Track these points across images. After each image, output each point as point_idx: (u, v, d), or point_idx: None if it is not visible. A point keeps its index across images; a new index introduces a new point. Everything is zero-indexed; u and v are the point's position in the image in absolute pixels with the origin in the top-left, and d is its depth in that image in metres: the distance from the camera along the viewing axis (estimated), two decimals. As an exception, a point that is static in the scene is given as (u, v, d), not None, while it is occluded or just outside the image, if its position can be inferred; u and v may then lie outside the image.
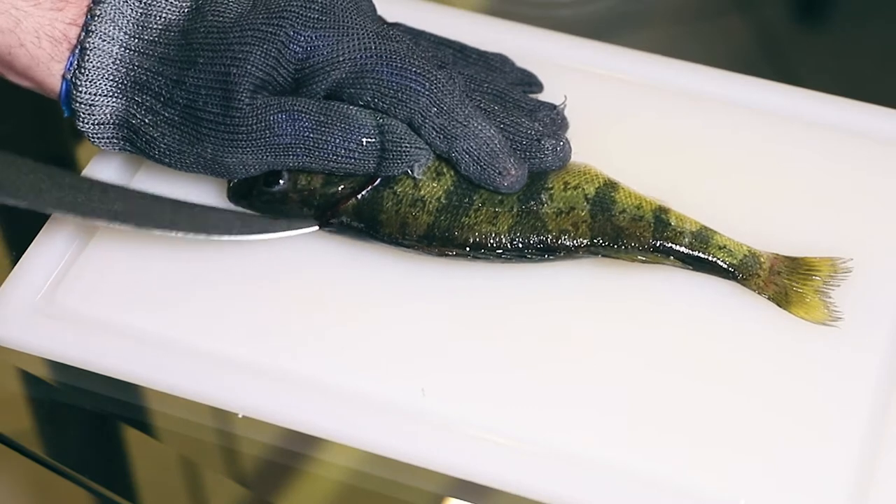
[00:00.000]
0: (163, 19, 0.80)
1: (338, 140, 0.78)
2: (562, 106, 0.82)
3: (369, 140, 0.78)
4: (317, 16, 0.79)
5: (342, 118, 0.78)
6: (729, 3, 1.10)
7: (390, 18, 0.85)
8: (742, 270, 0.78)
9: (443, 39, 0.85)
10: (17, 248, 0.83)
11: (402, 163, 0.79)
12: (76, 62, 0.79)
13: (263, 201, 0.81)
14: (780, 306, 0.78)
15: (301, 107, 0.78)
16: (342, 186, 0.80)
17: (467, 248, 0.79)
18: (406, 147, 0.78)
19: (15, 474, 0.90)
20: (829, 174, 0.84)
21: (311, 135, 0.78)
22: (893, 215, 0.82)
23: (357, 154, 0.78)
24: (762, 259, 0.79)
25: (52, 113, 0.96)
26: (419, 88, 0.78)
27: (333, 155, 0.78)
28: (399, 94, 0.78)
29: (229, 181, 0.82)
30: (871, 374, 0.76)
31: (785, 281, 0.78)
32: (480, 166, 0.79)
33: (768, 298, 0.78)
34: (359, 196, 0.80)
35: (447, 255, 0.79)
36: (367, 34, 0.79)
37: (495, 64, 0.85)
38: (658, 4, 1.09)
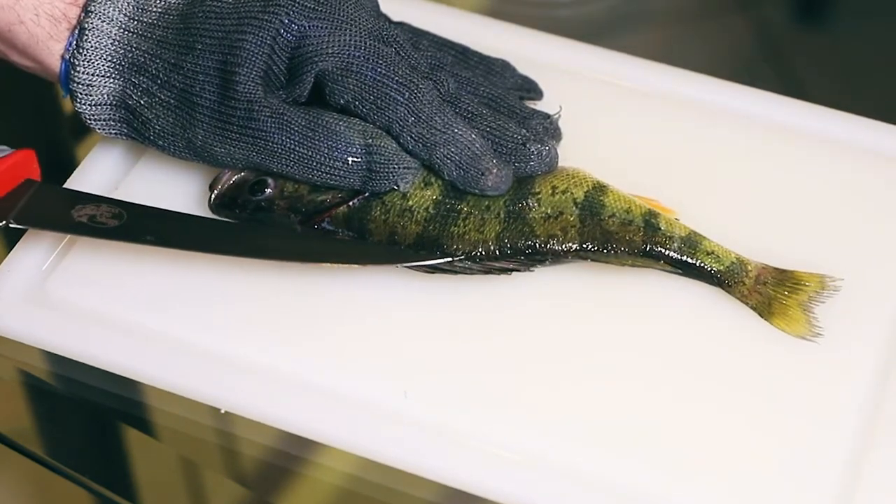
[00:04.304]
0: (162, 2, 0.80)
1: (323, 157, 0.78)
2: (556, 116, 0.82)
3: (355, 159, 0.78)
4: (312, 5, 0.79)
5: (330, 135, 0.78)
6: (729, 3, 1.10)
7: (391, 17, 0.85)
8: (728, 277, 0.78)
9: (445, 41, 0.85)
10: (11, 237, 0.83)
11: (388, 183, 0.79)
12: (75, 42, 0.79)
13: (250, 210, 0.81)
14: (762, 316, 0.78)
15: (290, 117, 0.78)
16: (331, 196, 0.80)
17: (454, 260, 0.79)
18: (394, 168, 0.78)
19: (15, 474, 0.90)
20: (826, 187, 0.84)
21: (298, 148, 0.78)
22: (890, 231, 0.82)
23: (342, 172, 0.79)
24: (749, 267, 0.78)
25: (51, 112, 0.97)
26: (398, 97, 0.78)
27: (317, 171, 0.79)
28: (378, 102, 0.78)
29: (210, 191, 0.82)
30: (855, 389, 0.75)
31: (770, 291, 0.78)
32: (462, 170, 0.79)
33: (751, 307, 0.78)
34: (349, 204, 0.80)
35: (435, 272, 0.79)
36: (361, 31, 0.79)
37: (496, 69, 0.85)
38: (658, 4, 1.09)
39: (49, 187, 0.82)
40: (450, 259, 0.79)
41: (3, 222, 0.79)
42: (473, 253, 0.79)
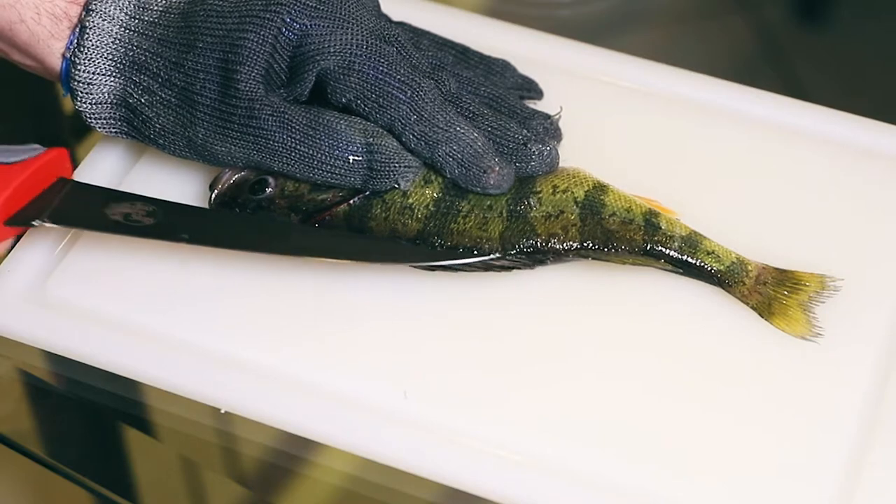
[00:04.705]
0: (164, 0, 0.80)
1: (324, 155, 0.78)
2: (556, 116, 0.82)
3: (356, 158, 0.78)
4: (314, 4, 0.79)
5: (330, 133, 0.78)
6: (729, 3, 1.10)
7: (391, 17, 0.85)
8: (728, 277, 0.78)
9: (446, 41, 0.85)
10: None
11: (389, 181, 0.79)
12: (76, 41, 0.79)
13: (250, 209, 0.81)
14: (762, 316, 0.78)
15: (291, 115, 0.78)
16: (331, 195, 0.80)
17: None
18: (394, 166, 0.78)
19: (15, 474, 0.90)
20: (826, 187, 0.84)
21: (299, 146, 0.78)
22: (890, 231, 0.82)
23: (342, 170, 0.79)
24: (750, 267, 0.78)
25: (52, 112, 0.97)
26: (400, 96, 0.78)
27: (318, 169, 0.79)
28: (380, 100, 0.78)
29: (211, 191, 0.82)
30: (855, 389, 0.75)
31: (770, 291, 0.78)
32: (464, 168, 0.79)
33: (751, 307, 0.78)
34: (350, 203, 0.80)
35: (435, 270, 0.79)
36: (362, 30, 0.79)
37: (496, 69, 0.85)
38: (658, 4, 1.09)
39: (82, 186, 0.81)
40: (490, 257, 0.79)
41: (38, 221, 0.78)
42: (475, 251, 0.79)
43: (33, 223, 0.78)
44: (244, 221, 0.80)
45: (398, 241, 0.79)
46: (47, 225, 0.78)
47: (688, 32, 1.07)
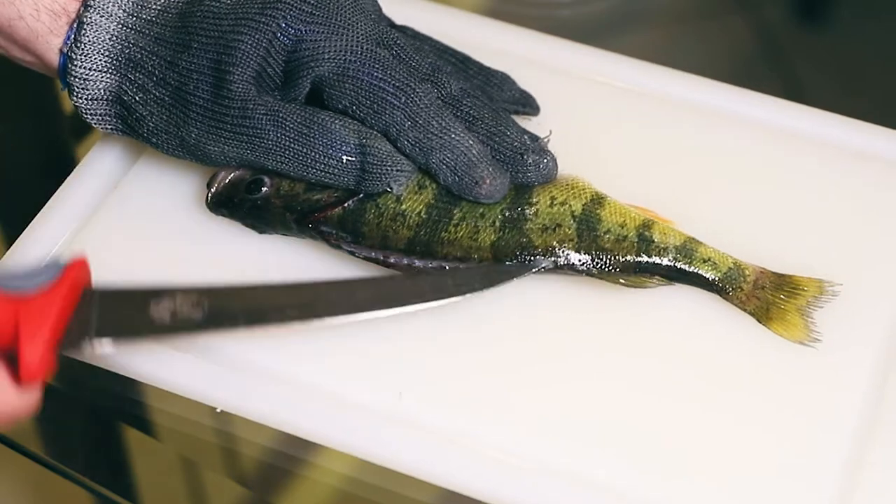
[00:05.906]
0: (162, 0, 0.80)
1: (318, 154, 0.78)
2: (545, 140, 0.81)
3: (349, 158, 0.78)
4: (310, 9, 0.79)
5: (324, 133, 0.78)
6: (729, 3, 1.10)
7: (393, 19, 0.85)
8: (726, 283, 0.78)
9: (447, 48, 0.85)
10: (14, 231, 0.83)
11: (381, 184, 0.79)
12: (73, 36, 0.80)
13: (246, 208, 0.81)
14: (760, 322, 0.77)
15: (286, 114, 0.78)
16: (326, 195, 0.80)
17: (446, 266, 0.78)
18: (387, 169, 0.78)
19: (15, 474, 0.91)
20: (824, 191, 0.84)
21: (293, 145, 0.78)
22: (889, 235, 0.82)
23: (336, 170, 0.78)
24: (747, 272, 0.78)
25: (51, 112, 0.97)
26: (395, 101, 0.78)
27: (312, 168, 0.79)
28: (375, 106, 0.78)
29: (207, 190, 0.82)
30: (854, 393, 0.75)
31: (768, 296, 0.78)
32: (458, 176, 0.79)
33: (749, 313, 0.78)
34: (344, 206, 0.79)
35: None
36: (358, 35, 0.79)
37: (495, 80, 0.85)
38: (658, 4, 1.09)
39: (110, 291, 0.74)
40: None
41: (88, 342, 0.72)
42: (466, 260, 0.78)
43: (85, 345, 0.72)
44: (297, 289, 0.77)
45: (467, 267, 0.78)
46: (103, 342, 0.72)
47: (688, 32, 1.07)
